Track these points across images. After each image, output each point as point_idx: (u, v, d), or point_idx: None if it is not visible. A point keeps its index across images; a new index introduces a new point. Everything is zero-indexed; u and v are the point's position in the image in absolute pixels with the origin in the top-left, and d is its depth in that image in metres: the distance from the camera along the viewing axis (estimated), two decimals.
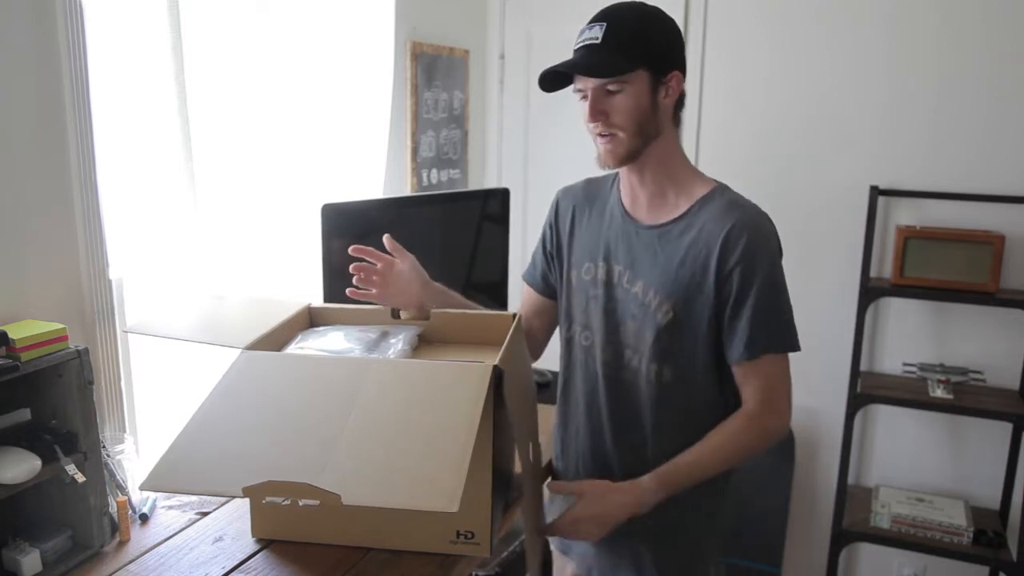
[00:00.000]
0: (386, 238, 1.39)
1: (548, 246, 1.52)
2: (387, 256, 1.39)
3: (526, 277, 1.58)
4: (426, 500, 0.91)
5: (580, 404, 1.47)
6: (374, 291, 1.39)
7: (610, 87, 1.27)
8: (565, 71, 1.28)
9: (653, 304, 1.33)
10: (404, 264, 1.40)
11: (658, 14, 1.31)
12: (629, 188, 1.39)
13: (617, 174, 1.44)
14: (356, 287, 1.39)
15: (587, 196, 1.48)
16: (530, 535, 1.29)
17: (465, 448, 0.96)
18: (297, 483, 0.93)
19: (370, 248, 1.38)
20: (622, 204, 1.41)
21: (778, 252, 1.32)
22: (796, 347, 1.33)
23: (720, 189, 1.35)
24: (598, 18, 1.29)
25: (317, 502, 0.92)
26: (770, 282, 1.29)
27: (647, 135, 1.30)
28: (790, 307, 1.32)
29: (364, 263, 1.38)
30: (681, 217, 1.33)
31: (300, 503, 0.92)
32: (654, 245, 1.34)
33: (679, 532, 1.40)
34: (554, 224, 1.51)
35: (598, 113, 1.28)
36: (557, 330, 1.53)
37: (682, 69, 1.32)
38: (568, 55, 1.29)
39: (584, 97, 1.30)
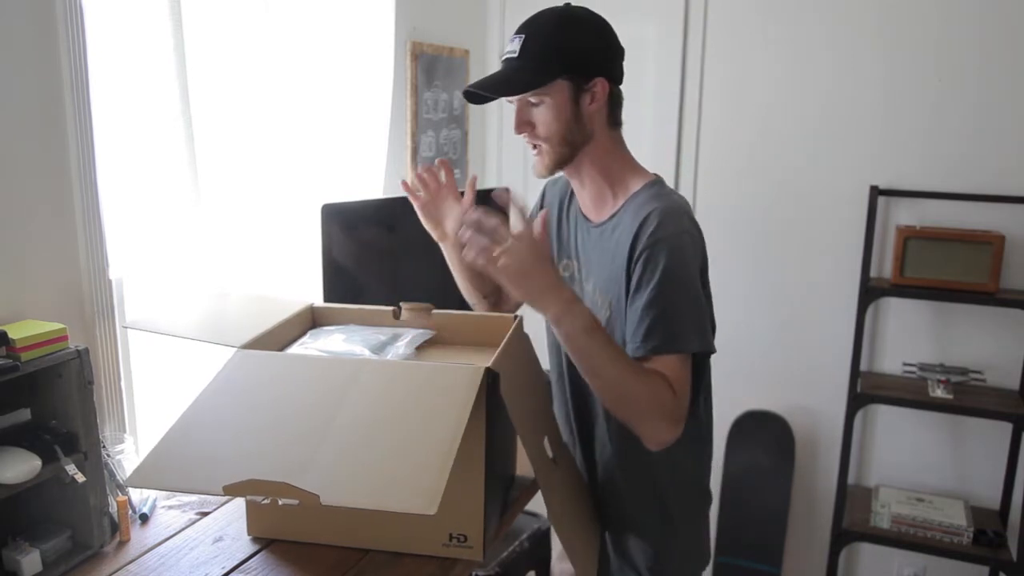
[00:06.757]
0: (439, 161, 1.50)
1: None
2: (451, 188, 1.49)
3: None
4: (405, 502, 0.90)
5: (568, 404, 1.46)
6: (424, 194, 1.48)
7: (531, 99, 1.26)
8: (478, 91, 1.26)
9: (599, 302, 1.33)
10: (462, 204, 1.47)
11: (582, 19, 1.25)
12: (577, 188, 1.40)
13: None
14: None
15: (564, 192, 1.48)
16: (569, 542, 1.25)
17: (449, 450, 0.95)
18: (277, 482, 0.92)
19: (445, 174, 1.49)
20: (578, 202, 1.42)
21: (689, 243, 1.24)
22: (695, 348, 1.21)
23: (652, 183, 1.32)
24: (520, 29, 1.26)
25: (297, 502, 0.91)
26: (671, 273, 1.20)
27: (575, 143, 1.28)
28: (696, 302, 1.23)
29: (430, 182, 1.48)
30: (615, 214, 1.32)
31: (280, 502, 0.92)
32: (599, 243, 1.34)
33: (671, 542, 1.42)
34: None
35: (523, 124, 1.28)
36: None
37: (608, 75, 1.27)
38: None
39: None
